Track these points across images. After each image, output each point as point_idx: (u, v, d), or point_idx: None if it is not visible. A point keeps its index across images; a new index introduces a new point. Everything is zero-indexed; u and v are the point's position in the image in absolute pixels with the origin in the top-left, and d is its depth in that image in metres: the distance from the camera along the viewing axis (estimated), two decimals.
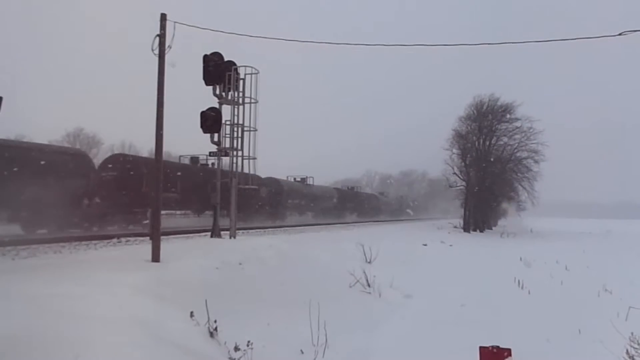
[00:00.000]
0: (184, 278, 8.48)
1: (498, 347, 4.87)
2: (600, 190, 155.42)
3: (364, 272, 12.92)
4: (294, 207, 39.41)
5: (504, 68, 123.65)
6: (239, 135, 15.86)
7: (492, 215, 51.96)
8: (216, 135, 15.54)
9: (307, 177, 43.09)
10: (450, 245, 26.93)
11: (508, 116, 44.90)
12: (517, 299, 13.79)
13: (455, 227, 42.41)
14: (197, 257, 10.24)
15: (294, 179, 42.07)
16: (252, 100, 15.92)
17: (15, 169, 15.96)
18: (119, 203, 20.56)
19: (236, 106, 15.85)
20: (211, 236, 15.79)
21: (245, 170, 16.27)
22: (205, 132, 15.43)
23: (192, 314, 6.81)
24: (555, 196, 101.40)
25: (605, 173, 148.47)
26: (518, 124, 44.56)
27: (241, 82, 15.89)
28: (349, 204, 51.25)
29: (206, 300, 6.94)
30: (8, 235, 14.85)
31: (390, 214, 65.60)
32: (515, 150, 45.98)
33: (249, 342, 6.58)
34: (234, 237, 15.54)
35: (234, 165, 16.02)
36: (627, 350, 7.31)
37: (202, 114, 15.35)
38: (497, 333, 8.36)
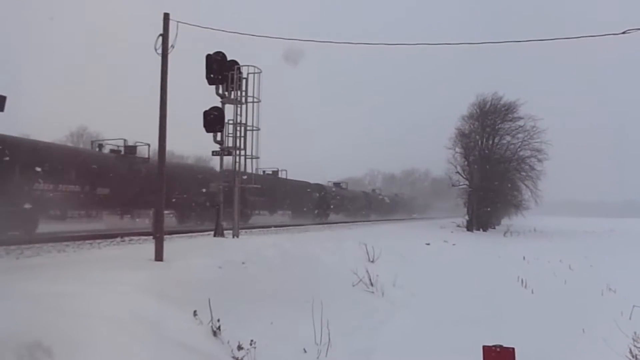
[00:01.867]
0: (187, 277, 8.49)
1: (501, 346, 4.85)
2: (605, 189, 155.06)
3: (367, 271, 12.92)
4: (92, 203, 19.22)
5: (507, 68, 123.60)
6: (242, 134, 15.90)
7: (496, 214, 51.81)
8: (219, 134, 15.57)
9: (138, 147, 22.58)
10: (454, 245, 26.89)
11: (511, 115, 44.82)
12: (521, 298, 13.78)
13: (458, 226, 42.32)
14: (200, 256, 10.25)
15: (121, 148, 22.10)
16: (255, 100, 15.94)
17: None
18: None
19: (239, 105, 15.88)
20: (214, 235, 15.82)
21: (248, 170, 16.32)
22: (208, 131, 15.46)
23: (195, 313, 6.82)
24: (560, 195, 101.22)
25: (610, 172, 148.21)
26: (521, 122, 44.43)
27: (244, 81, 15.91)
28: (258, 199, 31.20)
29: (209, 299, 6.95)
30: (12, 234, 14.90)
31: (350, 213, 49.58)
32: (519, 149, 45.86)
33: (252, 341, 6.59)
34: (237, 237, 15.57)
35: (237, 164, 16.07)
36: (630, 350, 7.29)
37: (205, 113, 15.37)
38: (500, 332, 8.35)
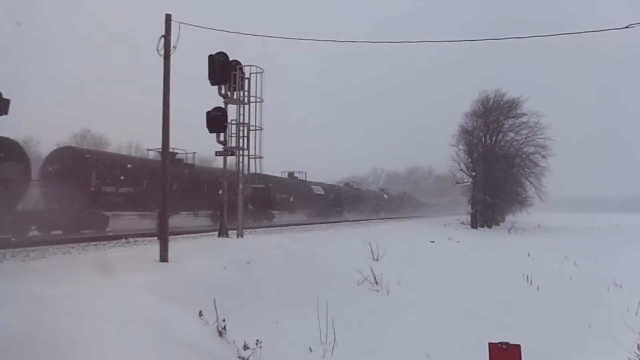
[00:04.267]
0: (192, 278, 8.50)
1: (507, 343, 4.84)
2: (611, 185, 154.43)
3: (372, 270, 12.90)
4: None
5: (510, 66, 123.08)
6: (245, 134, 15.90)
7: (500, 211, 51.66)
8: (222, 134, 15.58)
9: None
10: (458, 242, 26.84)
11: (514, 111, 44.69)
12: (526, 294, 13.75)
13: (462, 223, 42.23)
14: (205, 257, 10.26)
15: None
16: (258, 100, 15.94)
17: None
18: None
19: (242, 105, 15.88)
20: (219, 236, 15.82)
21: (252, 169, 16.30)
22: (211, 131, 15.47)
23: (200, 313, 6.83)
24: (564, 191, 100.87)
25: (614, 167, 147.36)
26: (524, 119, 44.38)
27: (246, 81, 15.91)
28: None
29: (215, 300, 6.96)
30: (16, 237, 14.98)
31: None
32: (522, 146, 45.78)
33: (257, 340, 6.59)
34: (242, 237, 15.58)
35: (240, 164, 16.07)
36: (638, 345, 7.26)
37: (208, 113, 15.39)
38: (506, 329, 8.33)
